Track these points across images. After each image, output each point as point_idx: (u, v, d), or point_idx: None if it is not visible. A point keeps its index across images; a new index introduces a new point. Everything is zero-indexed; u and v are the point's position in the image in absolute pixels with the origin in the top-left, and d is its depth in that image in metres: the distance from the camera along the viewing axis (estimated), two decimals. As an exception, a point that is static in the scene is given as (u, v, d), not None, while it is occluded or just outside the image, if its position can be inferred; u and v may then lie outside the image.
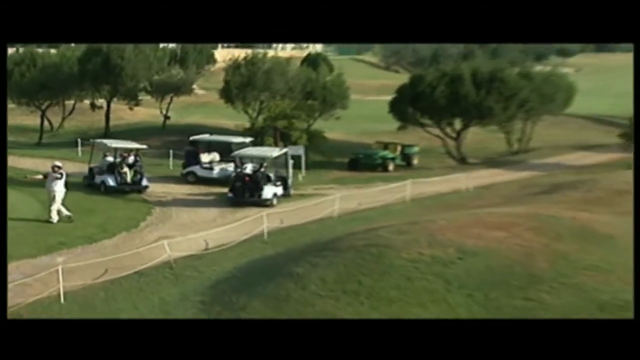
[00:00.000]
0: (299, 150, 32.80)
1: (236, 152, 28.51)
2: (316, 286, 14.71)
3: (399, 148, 37.82)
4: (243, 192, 26.56)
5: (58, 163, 24.28)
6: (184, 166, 32.00)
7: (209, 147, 32.40)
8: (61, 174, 23.19)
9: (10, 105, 46.60)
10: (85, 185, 28.90)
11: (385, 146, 37.91)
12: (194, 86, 53.60)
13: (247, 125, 40.06)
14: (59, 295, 15.79)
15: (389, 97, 41.90)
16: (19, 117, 48.40)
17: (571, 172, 34.07)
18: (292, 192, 28.31)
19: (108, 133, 43.34)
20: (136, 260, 18.44)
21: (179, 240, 20.16)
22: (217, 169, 31.09)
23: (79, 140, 38.97)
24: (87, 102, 49.35)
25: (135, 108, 48.74)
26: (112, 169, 28.70)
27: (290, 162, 28.86)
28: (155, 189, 29.08)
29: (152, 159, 36.39)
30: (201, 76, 61.12)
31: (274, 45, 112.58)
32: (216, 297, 15.59)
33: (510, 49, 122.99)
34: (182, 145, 34.77)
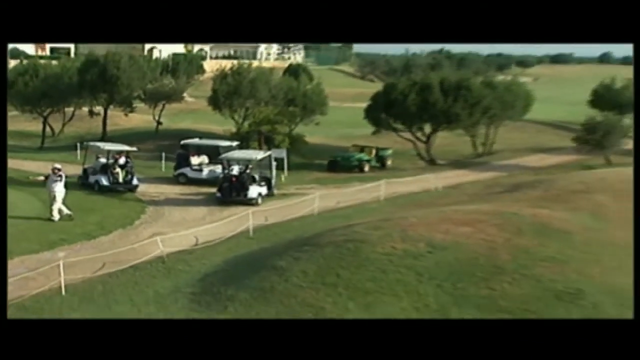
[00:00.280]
0: (282, 153, 32.81)
1: (223, 155, 28.48)
2: (298, 278, 14.71)
3: (373, 151, 37.87)
4: (230, 191, 26.53)
5: (58, 165, 24.19)
6: (176, 168, 31.90)
7: (199, 150, 32.31)
8: (60, 175, 23.10)
9: (14, 113, 46.65)
10: (80, 184, 28.68)
11: (361, 149, 37.97)
12: (185, 94, 53.59)
13: (234, 130, 39.92)
14: (60, 287, 15.74)
15: (364, 104, 41.92)
16: (23, 123, 48.30)
17: (530, 172, 34.29)
18: (275, 191, 28.28)
19: (105, 138, 43.02)
20: (131, 255, 18.39)
21: (171, 237, 20.13)
22: (206, 171, 31.02)
23: (78, 144, 38.74)
24: (85, 109, 49.33)
25: (130, 114, 48.74)
26: (105, 169, 28.69)
27: (274, 164, 28.82)
28: (149, 189, 28.96)
29: (145, 162, 36.24)
30: (191, 85, 61.05)
31: (258, 56, 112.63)
32: (206, 288, 15.54)
33: (475, 60, 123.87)
34: (173, 149, 34.62)
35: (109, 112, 46.72)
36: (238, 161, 27.70)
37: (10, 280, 15.58)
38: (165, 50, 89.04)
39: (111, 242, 20.56)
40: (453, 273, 14.22)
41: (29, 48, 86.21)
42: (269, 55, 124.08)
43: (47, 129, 46.09)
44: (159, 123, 48.82)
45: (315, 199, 25.15)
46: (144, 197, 27.47)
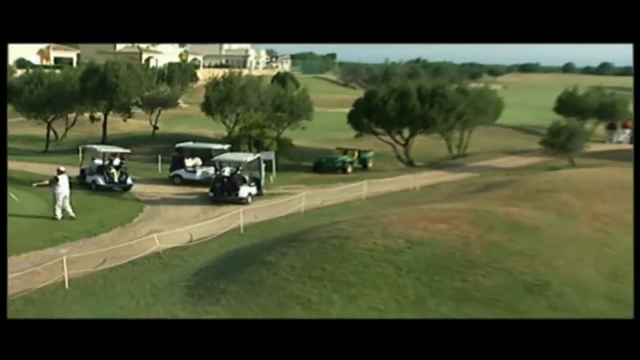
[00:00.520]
0: (270, 156, 32.77)
1: (216, 157, 28.42)
2: (286, 272, 14.69)
3: (356, 153, 37.90)
4: (222, 191, 26.48)
5: (62, 168, 24.08)
6: (171, 170, 31.80)
7: (193, 153, 32.23)
8: (60, 177, 23.00)
9: (21, 119, 47.05)
10: (78, 184, 28.57)
11: (345, 151, 37.99)
12: (179, 101, 53.53)
13: (225, 134, 39.82)
14: (63, 281, 15.66)
15: (347, 110, 41.95)
16: (29, 128, 48.18)
17: (501, 173, 34.43)
18: (264, 191, 28.23)
19: (105, 141, 42.78)
20: (130, 251, 18.32)
21: (167, 234, 20.04)
22: (199, 172, 30.94)
23: (80, 147, 38.50)
24: (86, 115, 49.18)
25: (129, 120, 48.62)
26: (101, 170, 28.74)
27: (263, 165, 28.81)
28: (146, 190, 28.85)
29: (143, 164, 36.17)
30: (185, 92, 60.99)
31: (248, 65, 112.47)
32: (199, 282, 15.48)
33: (449, 68, 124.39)
34: (169, 152, 34.48)
35: (108, 117, 46.58)
36: (229, 163, 27.65)
37: (17, 274, 15.63)
38: (161, 60, 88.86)
39: (111, 239, 20.46)
40: (430, 267, 14.26)
41: (34, 58, 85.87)
42: (258, 64, 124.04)
43: (51, 133, 45.91)
44: (155, 128, 48.68)
45: (301, 198, 25.13)
46: (141, 197, 27.36)
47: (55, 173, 23.45)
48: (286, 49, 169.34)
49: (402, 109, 37.76)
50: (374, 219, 17.50)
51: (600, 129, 49.08)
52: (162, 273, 16.85)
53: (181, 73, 66.06)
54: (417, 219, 16.95)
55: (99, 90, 43.61)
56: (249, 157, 28.74)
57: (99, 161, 29.40)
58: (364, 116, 39.61)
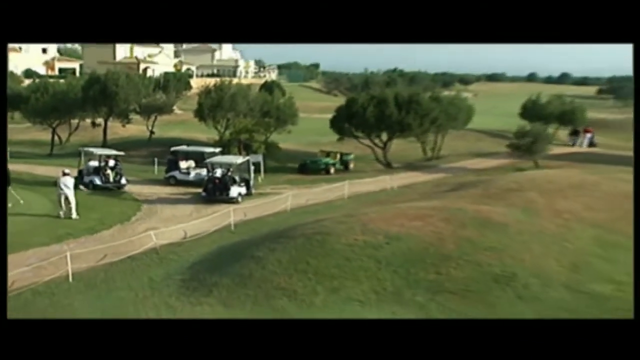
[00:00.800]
0: (259, 158, 32.69)
1: (208, 160, 28.30)
2: (273, 266, 14.67)
3: (338, 156, 37.87)
4: (214, 191, 26.38)
5: (67, 170, 24.11)
6: (166, 171, 31.66)
7: (186, 156, 32.06)
8: (62, 179, 22.89)
9: (27, 124, 47.36)
10: (76, 184, 28.46)
11: (327, 154, 37.97)
12: (174, 107, 53.45)
13: (217, 138, 39.67)
14: (68, 275, 15.56)
15: (330, 116, 41.91)
16: (35, 133, 47.97)
17: (472, 174, 34.56)
18: (253, 191, 28.12)
19: (105, 145, 42.52)
20: (129, 247, 18.20)
21: (163, 231, 19.94)
22: (193, 174, 30.78)
23: (81, 150, 38.28)
24: (88, 121, 49.39)
25: (127, 125, 48.53)
26: (97, 171, 28.77)
27: (252, 167, 28.73)
28: (143, 190, 28.67)
29: (140, 166, 35.98)
30: (180, 99, 60.75)
31: (238, 74, 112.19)
32: (193, 275, 15.42)
33: (424, 78, 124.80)
34: (164, 155, 34.29)
35: (108, 123, 46.49)
36: (221, 165, 27.54)
37: (25, 269, 15.63)
38: (157, 70, 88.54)
39: (111, 236, 20.30)
40: (407, 260, 14.30)
41: (40, 69, 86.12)
42: (247, 74, 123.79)
43: (56, 138, 45.70)
44: (151, 132, 48.45)
45: (288, 198, 25.08)
46: (139, 197, 27.19)
47: (61, 175, 23.32)
48: (273, 59, 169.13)
49: (380, 115, 37.82)
50: (355, 217, 17.51)
51: (562, 133, 49.44)
52: (158, 267, 16.75)
53: (176, 82, 65.75)
54: (394, 217, 16.99)
55: (99, 98, 43.72)
56: (238, 159, 28.63)
57: (95, 163, 29.40)
58: (345, 121, 39.61)
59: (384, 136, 39.57)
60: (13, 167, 28.02)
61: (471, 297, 12.92)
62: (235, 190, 26.41)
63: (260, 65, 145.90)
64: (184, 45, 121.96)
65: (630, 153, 43.64)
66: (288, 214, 23.80)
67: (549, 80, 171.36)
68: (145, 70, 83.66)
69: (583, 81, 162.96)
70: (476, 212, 17.53)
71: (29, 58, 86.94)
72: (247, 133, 36.87)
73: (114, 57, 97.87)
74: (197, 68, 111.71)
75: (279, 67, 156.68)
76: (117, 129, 49.04)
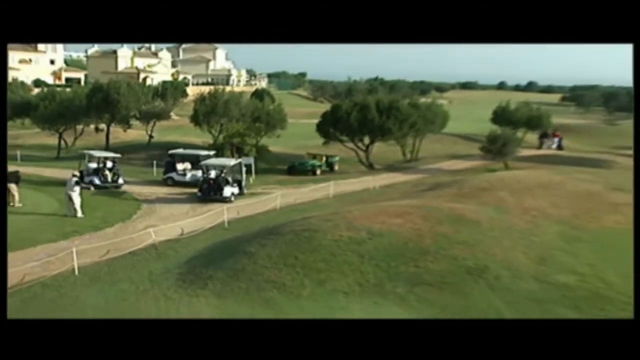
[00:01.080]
0: (250, 160, 32.66)
1: (203, 162, 28.29)
2: (264, 260, 14.64)
3: (324, 158, 37.86)
4: (209, 191, 26.30)
5: (76, 172, 24.35)
6: (164, 173, 31.51)
7: (183, 158, 31.94)
8: (77, 181, 22.92)
9: (36, 130, 47.46)
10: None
11: (314, 156, 37.95)
12: (172, 114, 53.29)
13: (211, 142, 39.53)
14: (73, 269, 15.51)
15: (316, 121, 41.90)
16: (43, 138, 47.61)
17: (448, 174, 34.69)
18: (245, 191, 28.07)
19: (107, 149, 42.27)
20: (130, 243, 18.11)
21: (161, 228, 19.85)
22: (189, 175, 30.67)
23: (85, 153, 38.08)
24: (92, 126, 49.40)
25: (128, 130, 48.34)
26: (97, 172, 28.84)
27: (244, 169, 28.68)
28: (143, 190, 28.52)
29: (140, 168, 35.80)
30: (177, 106, 60.50)
31: (231, 82, 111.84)
32: (190, 269, 15.35)
33: (403, 85, 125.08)
34: (162, 157, 34.13)
35: (111, 128, 46.38)
36: (215, 167, 27.46)
37: (34, 263, 15.63)
38: (156, 79, 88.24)
39: (113, 233, 20.20)
40: (388, 255, 14.32)
41: (48, 78, 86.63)
42: (239, 82, 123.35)
43: (62, 142, 45.49)
44: (151, 137, 48.25)
45: (277, 197, 25.04)
46: (139, 197, 27.03)
47: (71, 176, 23.44)
48: (263, 68, 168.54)
49: (363, 120, 37.89)
50: (340, 214, 17.52)
51: (530, 137, 49.74)
52: (157, 262, 16.67)
53: (173, 90, 65.47)
54: (376, 214, 17.02)
55: (102, 105, 43.76)
56: (231, 161, 28.56)
57: (94, 164, 29.38)
58: (330, 126, 39.64)
59: (367, 140, 39.62)
60: (23, 169, 28.02)
61: (447, 288, 12.97)
62: (228, 191, 26.35)
63: (251, 74, 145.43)
64: (181, 56, 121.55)
65: (592, 155, 44.20)
66: (278, 212, 23.76)
67: (517, 88, 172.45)
68: (144, 79, 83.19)
69: (548, 89, 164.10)
70: (451, 209, 17.60)
71: (38, 69, 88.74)
72: (239, 137, 36.77)
73: (116, 67, 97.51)
74: (193, 77, 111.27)
75: (269, 75, 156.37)
76: (119, 134, 48.83)
